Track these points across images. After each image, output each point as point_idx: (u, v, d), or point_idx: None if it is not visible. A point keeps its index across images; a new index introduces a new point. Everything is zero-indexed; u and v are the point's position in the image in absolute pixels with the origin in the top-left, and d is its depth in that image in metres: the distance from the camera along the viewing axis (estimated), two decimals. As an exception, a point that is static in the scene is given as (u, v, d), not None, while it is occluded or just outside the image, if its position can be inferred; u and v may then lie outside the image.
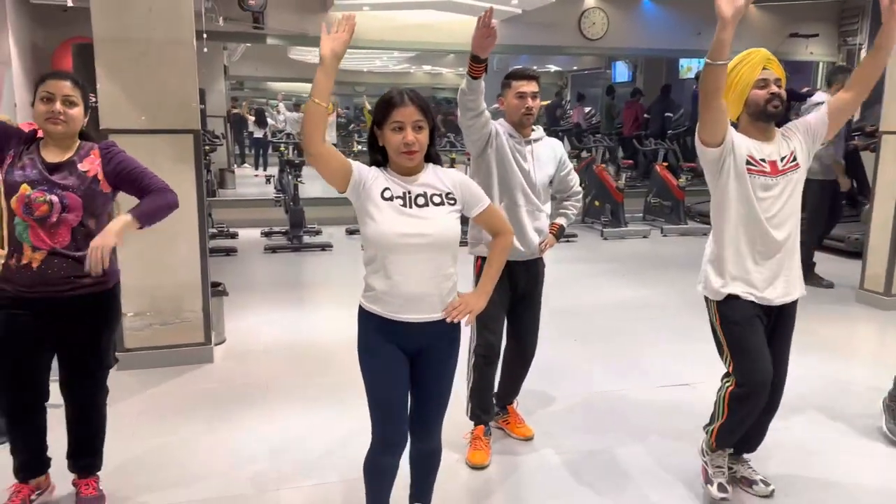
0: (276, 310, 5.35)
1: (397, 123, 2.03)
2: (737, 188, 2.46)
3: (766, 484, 2.74)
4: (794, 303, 2.59)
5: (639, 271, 6.74)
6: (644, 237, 8.50)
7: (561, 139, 16.34)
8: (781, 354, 2.60)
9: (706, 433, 2.69)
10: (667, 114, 11.30)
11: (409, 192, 2.08)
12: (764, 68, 2.47)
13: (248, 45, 12.55)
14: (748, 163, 2.44)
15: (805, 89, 9.60)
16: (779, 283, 2.51)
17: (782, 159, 2.47)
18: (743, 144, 2.46)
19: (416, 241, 2.04)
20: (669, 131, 11.09)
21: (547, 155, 3.06)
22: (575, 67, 18.68)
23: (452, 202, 2.12)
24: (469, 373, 3.12)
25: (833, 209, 6.14)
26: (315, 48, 12.23)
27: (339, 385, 3.72)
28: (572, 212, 3.24)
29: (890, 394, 3.29)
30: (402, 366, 2.15)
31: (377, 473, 2.25)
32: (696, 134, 2.47)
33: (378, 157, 2.14)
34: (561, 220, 3.18)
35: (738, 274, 2.50)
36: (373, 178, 2.08)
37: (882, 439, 3.24)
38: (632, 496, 2.77)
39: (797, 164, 2.50)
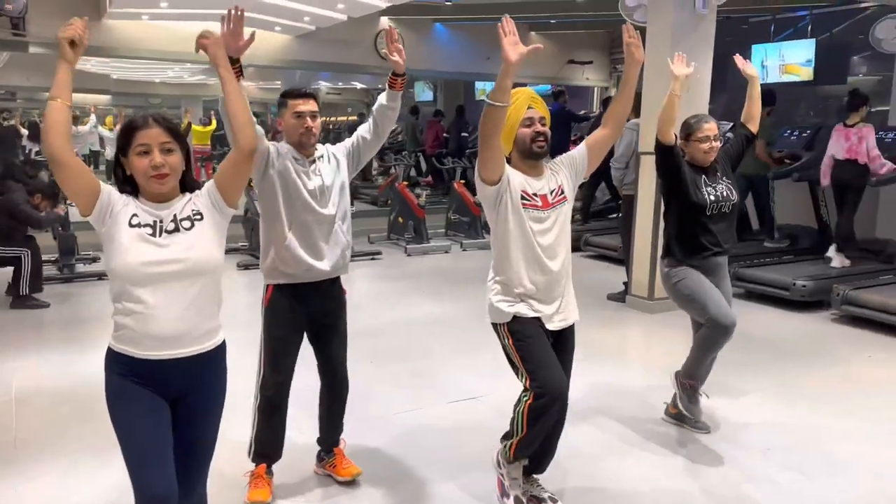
0: (36, 352, 4.72)
1: (142, 147, 1.91)
2: (514, 222, 2.55)
3: (554, 500, 2.79)
4: (572, 327, 2.71)
5: (438, 287, 6.88)
6: (446, 252, 8.73)
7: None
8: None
9: (504, 446, 2.72)
10: (463, 134, 11.79)
11: (161, 220, 1.93)
12: (529, 107, 2.57)
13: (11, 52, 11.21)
14: (522, 198, 2.55)
15: (583, 112, 10.53)
16: (556, 310, 2.62)
17: (552, 192, 2.60)
18: (517, 180, 2.56)
19: (168, 270, 1.89)
20: (467, 150, 11.57)
21: (331, 167, 2.90)
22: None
23: (200, 218, 1.98)
24: (254, 414, 2.91)
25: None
26: (91, 58, 11.09)
27: (110, 432, 3.34)
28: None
29: (677, 374, 3.51)
30: (162, 411, 1.95)
31: None
32: (476, 172, 2.54)
33: (127, 188, 1.97)
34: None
35: (522, 297, 2.59)
36: (122, 205, 1.93)
37: (660, 440, 3.48)
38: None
39: (565, 197, 2.64)
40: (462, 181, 9.63)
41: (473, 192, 9.44)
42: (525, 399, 2.56)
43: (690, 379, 3.48)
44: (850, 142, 6.23)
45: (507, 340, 2.61)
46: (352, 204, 8.67)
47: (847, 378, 4.45)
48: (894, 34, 7.16)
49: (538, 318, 2.59)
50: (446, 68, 10.69)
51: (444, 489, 2.99)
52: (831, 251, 6.44)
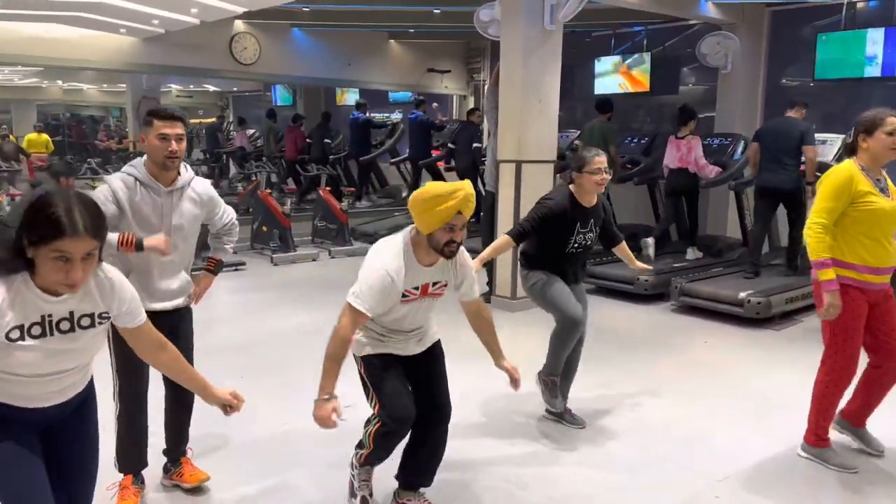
0: None
1: (63, 255, 1.68)
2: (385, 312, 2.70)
3: None
4: (437, 343, 2.93)
5: (308, 295, 6.83)
6: (314, 260, 8.66)
7: (225, 162, 15.53)
8: (438, 385, 2.89)
9: (355, 453, 2.90)
10: (326, 140, 11.72)
11: (50, 316, 1.80)
12: (459, 212, 2.52)
13: None
14: (404, 296, 2.67)
15: (443, 119, 10.82)
16: (415, 346, 2.85)
17: (434, 284, 2.73)
18: (402, 283, 2.63)
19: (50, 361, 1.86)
20: (331, 156, 11.51)
21: (190, 207, 2.89)
22: (235, 88, 18.38)
23: (105, 318, 1.93)
24: (115, 424, 2.88)
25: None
26: None
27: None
28: (229, 246, 3.22)
29: (539, 374, 3.81)
30: (33, 443, 1.89)
31: None
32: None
33: (20, 263, 1.74)
34: (219, 255, 3.18)
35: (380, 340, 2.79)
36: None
37: (530, 436, 3.72)
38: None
39: (442, 293, 2.80)
40: (328, 188, 9.58)
41: (339, 199, 9.44)
42: (374, 422, 2.75)
43: (551, 375, 3.76)
44: (681, 152, 6.93)
45: (360, 369, 2.81)
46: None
47: (688, 363, 4.96)
48: (716, 50, 8.00)
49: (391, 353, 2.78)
50: (306, 73, 10.62)
51: (318, 499, 3.06)
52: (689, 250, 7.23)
